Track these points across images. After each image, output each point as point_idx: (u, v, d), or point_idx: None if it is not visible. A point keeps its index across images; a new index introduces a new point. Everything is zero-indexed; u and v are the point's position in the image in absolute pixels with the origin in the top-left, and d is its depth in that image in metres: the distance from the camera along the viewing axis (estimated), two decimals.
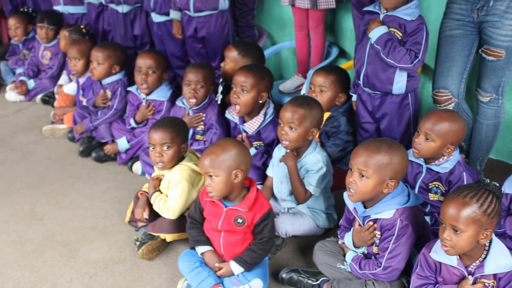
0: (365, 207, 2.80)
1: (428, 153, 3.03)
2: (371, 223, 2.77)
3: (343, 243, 2.98)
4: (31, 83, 5.61)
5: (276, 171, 3.44)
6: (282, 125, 3.24)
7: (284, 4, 4.61)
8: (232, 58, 4.15)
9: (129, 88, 4.46)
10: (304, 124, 3.18)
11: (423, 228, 2.78)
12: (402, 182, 2.79)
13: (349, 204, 2.89)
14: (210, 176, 2.82)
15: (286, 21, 5.19)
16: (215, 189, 2.83)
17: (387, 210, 2.71)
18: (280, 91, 4.88)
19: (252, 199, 2.86)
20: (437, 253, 2.52)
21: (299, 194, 3.26)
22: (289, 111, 3.21)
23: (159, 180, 3.41)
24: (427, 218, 3.12)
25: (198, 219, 3.03)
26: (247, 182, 2.94)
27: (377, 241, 2.78)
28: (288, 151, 3.32)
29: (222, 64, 4.22)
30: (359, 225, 2.85)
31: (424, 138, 3.00)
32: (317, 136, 3.81)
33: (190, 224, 3.05)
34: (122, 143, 4.30)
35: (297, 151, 3.30)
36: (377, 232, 2.76)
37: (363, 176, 2.66)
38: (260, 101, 3.74)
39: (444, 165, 3.04)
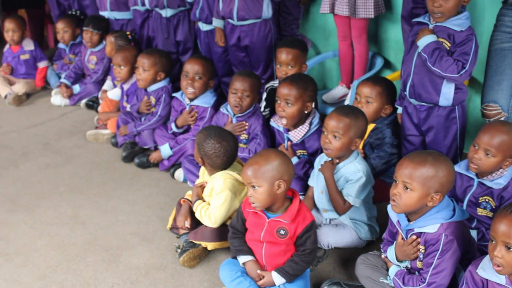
0: (409, 220, 2.75)
1: (489, 169, 2.96)
2: (414, 237, 2.72)
3: (386, 257, 2.94)
4: (76, 88, 5.69)
5: (317, 180, 3.42)
6: (325, 133, 3.23)
7: (323, 12, 4.60)
8: (296, 58, 4.13)
9: (174, 94, 4.49)
10: (348, 133, 3.17)
11: (468, 244, 2.72)
12: (447, 196, 2.73)
13: (393, 216, 2.85)
14: (253, 186, 2.81)
15: (330, 30, 5.17)
16: (258, 199, 2.82)
17: (431, 224, 2.65)
18: (324, 101, 4.85)
19: (294, 210, 2.83)
20: (485, 270, 2.44)
21: (338, 204, 3.24)
22: (334, 119, 3.20)
23: (202, 188, 3.42)
24: (474, 233, 3.06)
25: (240, 229, 3.02)
26: (290, 193, 2.92)
27: (421, 256, 2.72)
28: (328, 159, 3.30)
29: (281, 74, 4.15)
30: (402, 238, 2.80)
31: (484, 154, 2.92)
32: (360, 147, 3.79)
33: (232, 234, 3.04)
34: (165, 150, 4.32)
35: (337, 158, 3.28)
36: (421, 247, 2.70)
37: (407, 188, 2.62)
38: (306, 111, 3.73)
39: (498, 181, 2.97)
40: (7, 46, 6.04)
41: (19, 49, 5.97)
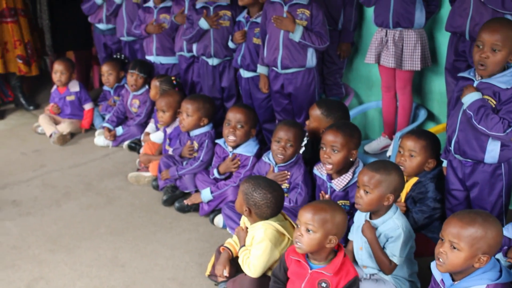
0: (453, 280, 2.69)
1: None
2: None
3: None
4: (119, 130, 5.77)
5: (356, 236, 3.38)
6: (358, 187, 3.22)
7: (368, 62, 4.61)
8: (316, 117, 4.18)
9: (217, 141, 4.53)
10: (378, 188, 3.14)
11: None
12: (493, 257, 2.67)
13: (437, 275, 2.79)
14: (308, 230, 2.79)
15: (373, 81, 5.18)
16: (306, 243, 2.80)
17: (477, 285, 2.58)
18: (366, 151, 4.83)
19: (338, 264, 2.81)
20: None
21: (384, 265, 3.20)
22: (364, 174, 3.20)
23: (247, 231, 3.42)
24: None
25: (282, 278, 2.99)
26: (335, 246, 2.89)
27: None
28: (367, 216, 3.28)
29: (307, 122, 4.26)
30: None
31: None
32: (402, 200, 3.75)
33: (274, 283, 3.02)
34: (206, 194, 4.34)
35: (374, 214, 3.26)
36: None
37: (454, 248, 2.57)
38: (351, 159, 3.73)
39: None
40: (54, 87, 6.18)
41: (65, 91, 6.09)
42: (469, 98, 3.34)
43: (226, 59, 5.26)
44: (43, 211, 4.49)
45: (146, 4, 5.87)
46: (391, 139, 4.78)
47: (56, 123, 6.02)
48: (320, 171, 3.91)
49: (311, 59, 4.58)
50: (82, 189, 4.86)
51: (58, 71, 6.02)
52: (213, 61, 5.26)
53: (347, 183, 3.78)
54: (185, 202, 4.43)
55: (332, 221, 2.79)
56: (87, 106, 6.12)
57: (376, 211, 3.23)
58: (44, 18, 6.73)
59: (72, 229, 4.22)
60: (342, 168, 3.78)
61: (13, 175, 5.11)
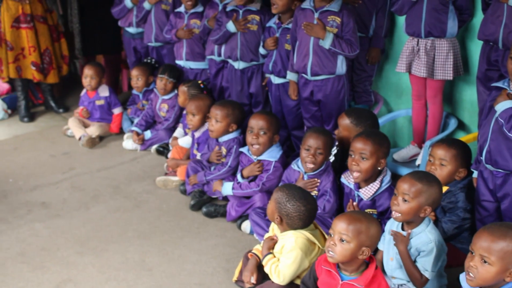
0: None
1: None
2: None
3: None
4: (147, 134, 5.80)
5: (387, 246, 3.34)
6: (396, 194, 3.18)
7: (399, 70, 4.58)
8: (345, 126, 4.16)
9: (241, 149, 4.53)
10: (418, 199, 3.09)
11: None
12: None
13: (466, 287, 2.75)
14: (342, 239, 2.78)
15: (403, 88, 5.14)
16: (339, 253, 2.79)
17: None
18: (394, 159, 4.80)
19: (370, 276, 2.79)
20: None
21: (415, 279, 3.15)
22: (406, 182, 3.14)
23: (274, 242, 3.40)
24: None
25: (311, 287, 2.98)
26: (367, 258, 2.87)
27: None
28: (399, 227, 3.24)
29: (336, 132, 4.25)
30: None
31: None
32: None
33: None
34: (227, 188, 4.40)
35: (407, 224, 3.21)
36: None
37: (485, 262, 2.53)
38: (379, 168, 3.71)
39: None
40: (84, 90, 6.23)
41: (95, 95, 6.14)
42: (502, 105, 3.31)
43: (253, 64, 5.26)
44: (72, 213, 4.53)
45: (178, 9, 5.91)
46: (421, 147, 4.74)
47: (85, 126, 6.06)
48: (348, 180, 3.89)
49: (341, 66, 4.56)
50: (111, 192, 4.90)
51: (88, 75, 6.08)
52: (239, 65, 5.27)
53: (375, 192, 3.76)
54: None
55: (366, 233, 2.77)
56: (116, 111, 6.17)
57: (409, 222, 3.19)
58: (74, 22, 6.81)
59: (100, 232, 4.25)
60: (370, 177, 3.76)
61: (42, 177, 5.16)
